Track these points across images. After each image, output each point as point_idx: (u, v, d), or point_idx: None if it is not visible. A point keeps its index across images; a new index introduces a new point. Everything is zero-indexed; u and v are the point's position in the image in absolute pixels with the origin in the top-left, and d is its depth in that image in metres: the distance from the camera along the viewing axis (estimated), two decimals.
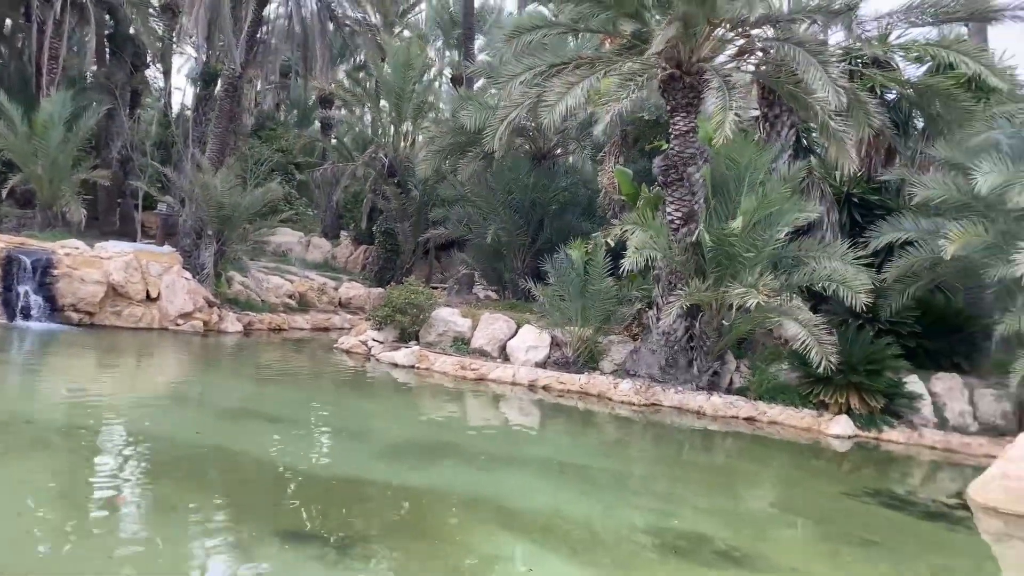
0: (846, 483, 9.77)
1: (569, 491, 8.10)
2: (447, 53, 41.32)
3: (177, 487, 6.92)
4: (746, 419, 12.61)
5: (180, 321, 16.91)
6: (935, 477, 11.17)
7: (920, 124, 16.49)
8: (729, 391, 13.42)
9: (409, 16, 39.97)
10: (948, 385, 13.12)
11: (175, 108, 33.04)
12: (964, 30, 17.66)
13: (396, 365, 14.79)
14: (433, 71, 36.10)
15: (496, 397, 13.35)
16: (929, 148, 14.24)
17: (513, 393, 13.53)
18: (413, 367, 14.67)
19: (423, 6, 40.75)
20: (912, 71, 16.17)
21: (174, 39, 28.49)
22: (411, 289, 16.29)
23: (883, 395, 12.46)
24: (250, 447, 8.44)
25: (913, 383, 12.94)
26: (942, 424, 12.68)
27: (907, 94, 15.65)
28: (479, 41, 36.42)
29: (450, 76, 37.77)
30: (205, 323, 17.22)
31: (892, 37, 15.01)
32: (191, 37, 25.39)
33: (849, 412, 12.39)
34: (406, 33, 37.24)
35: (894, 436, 12.26)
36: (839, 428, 12.14)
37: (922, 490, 10.25)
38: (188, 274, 17.74)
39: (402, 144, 25.60)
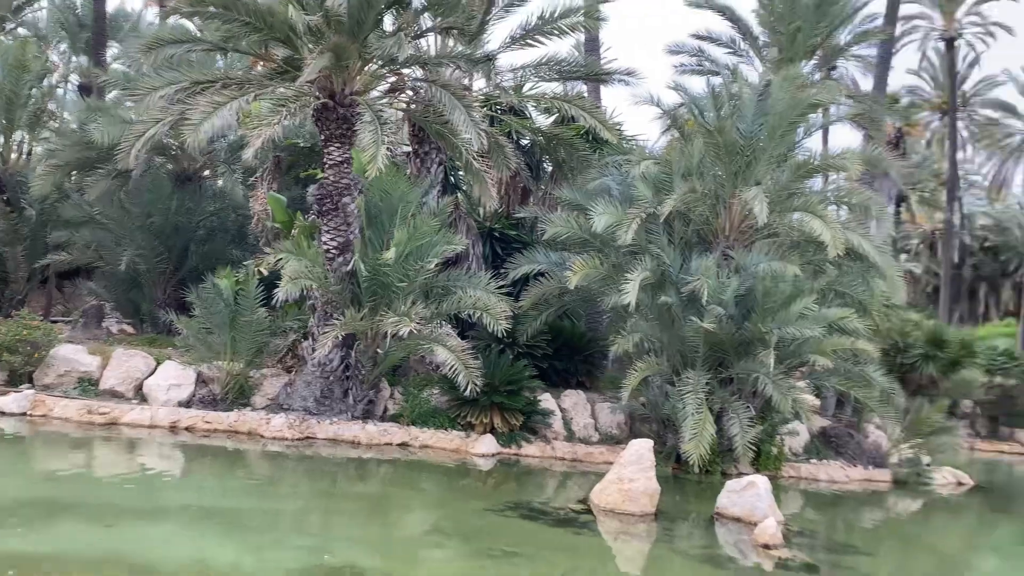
0: (490, 499, 10.42)
1: (215, 537, 7.56)
2: (74, 58, 36.91)
3: None
4: (400, 445, 12.88)
5: None
6: (565, 485, 12.41)
7: (549, 168, 18.43)
8: (384, 418, 13.63)
9: (25, 13, 35.01)
10: (574, 401, 14.70)
11: None
12: (584, 88, 20.17)
13: (3, 413, 12.65)
14: (56, 76, 32.02)
15: (131, 443, 12.05)
16: (556, 190, 15.97)
17: (152, 437, 12.33)
18: (26, 415, 12.66)
19: (44, 3, 35.99)
20: (542, 120, 18.08)
21: None
22: (23, 324, 14.08)
23: (521, 413, 13.56)
24: None
25: (546, 401, 14.28)
26: (570, 437, 14.15)
27: (538, 140, 17.43)
28: (113, 48, 33.10)
29: (77, 84, 33.77)
30: None
31: (525, 88, 16.67)
32: None
33: (493, 431, 13.29)
34: (21, 31, 32.58)
35: (532, 451, 13.40)
36: (484, 447, 12.94)
37: (555, 499, 11.30)
38: None
39: (13, 156, 22.17)
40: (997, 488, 17.10)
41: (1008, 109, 37.39)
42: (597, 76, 17.53)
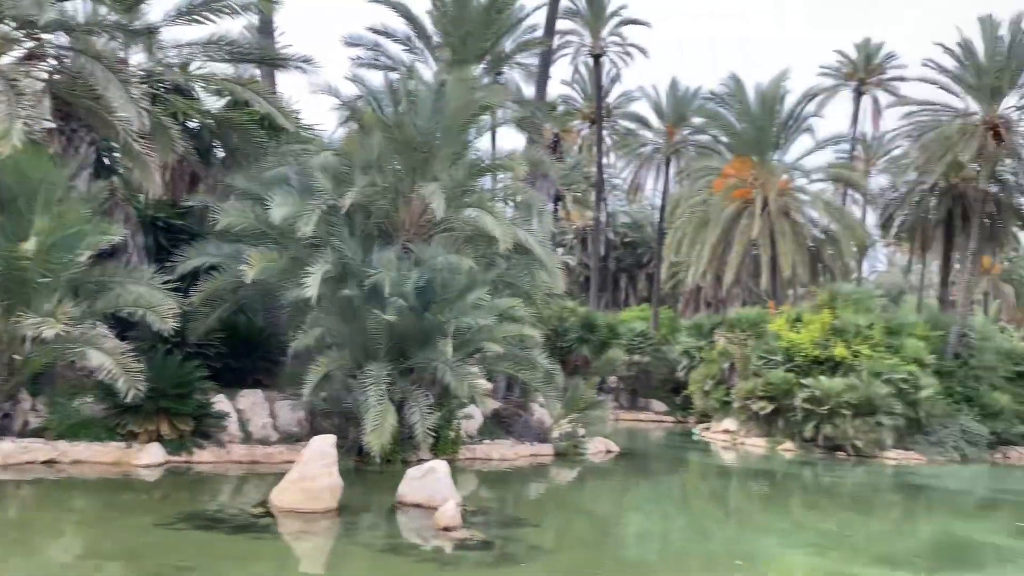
0: (158, 512, 9.56)
1: None
2: None
3: None
4: (45, 463, 11.39)
5: None
6: (243, 490, 11.84)
7: (222, 154, 17.36)
8: (24, 434, 11.89)
9: None
10: (252, 401, 14.05)
11: None
12: (258, 72, 19.29)
13: None
14: None
15: None
16: (230, 177, 15.11)
17: None
18: None
19: None
20: (214, 103, 16.94)
21: None
22: None
23: (193, 418, 12.66)
24: None
25: (221, 402, 13.46)
26: (248, 438, 13.50)
27: (209, 124, 16.33)
28: None
29: None
30: None
31: (193, 67, 15.51)
32: None
33: (160, 439, 12.24)
34: None
35: (205, 456, 12.58)
36: (150, 457, 11.90)
37: (231, 505, 10.73)
38: None
39: None
40: (637, 453, 19.64)
41: (642, 121, 42.88)
42: (272, 61, 16.89)
